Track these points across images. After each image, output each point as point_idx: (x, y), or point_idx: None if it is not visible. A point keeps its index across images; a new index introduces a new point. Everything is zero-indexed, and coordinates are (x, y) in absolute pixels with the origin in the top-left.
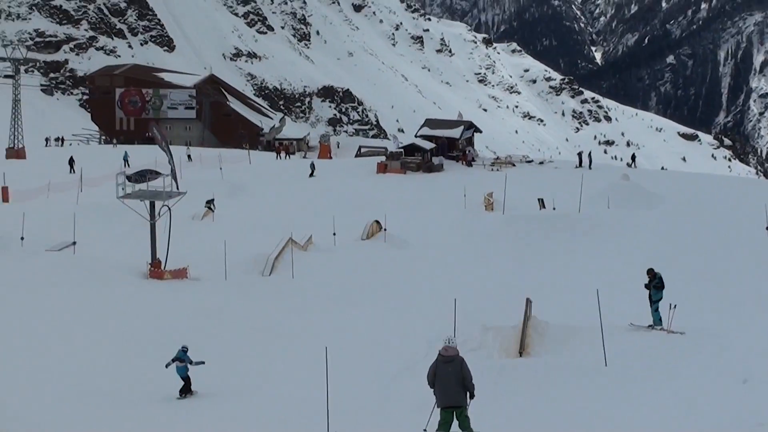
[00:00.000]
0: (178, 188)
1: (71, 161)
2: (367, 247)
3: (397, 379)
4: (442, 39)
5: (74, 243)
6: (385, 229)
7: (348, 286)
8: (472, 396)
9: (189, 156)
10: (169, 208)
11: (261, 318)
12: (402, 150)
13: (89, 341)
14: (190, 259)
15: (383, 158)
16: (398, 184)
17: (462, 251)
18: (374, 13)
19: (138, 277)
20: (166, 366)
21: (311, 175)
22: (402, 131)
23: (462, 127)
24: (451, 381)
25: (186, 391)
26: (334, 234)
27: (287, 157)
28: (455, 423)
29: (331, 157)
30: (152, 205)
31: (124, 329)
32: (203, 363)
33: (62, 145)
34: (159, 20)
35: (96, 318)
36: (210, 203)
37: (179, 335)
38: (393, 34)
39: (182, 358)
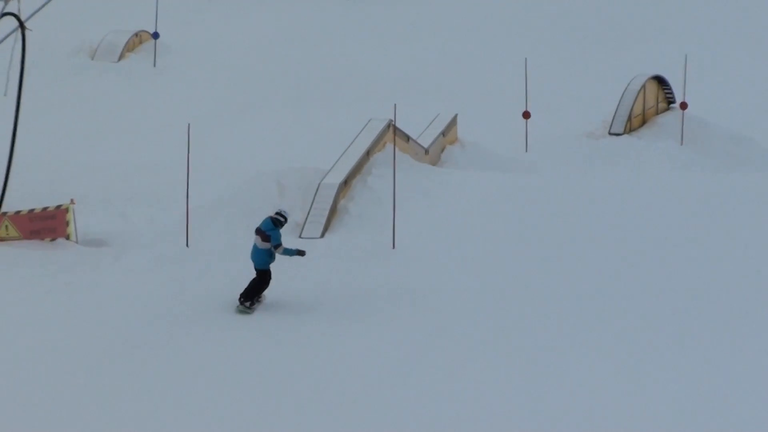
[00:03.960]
0: None
1: None
2: (621, 149)
3: None
4: None
5: None
6: (683, 104)
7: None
8: None
9: None
10: (21, 23)
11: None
12: None
13: None
14: (82, 182)
15: None
16: None
17: None
18: None
19: None
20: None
21: None
22: None
23: None
24: None
25: (255, 294)
26: (526, 117)
27: None
28: None
29: None
30: None
31: None
32: (303, 254)
33: None
34: None
35: None
36: None
37: None
38: None
39: (268, 231)
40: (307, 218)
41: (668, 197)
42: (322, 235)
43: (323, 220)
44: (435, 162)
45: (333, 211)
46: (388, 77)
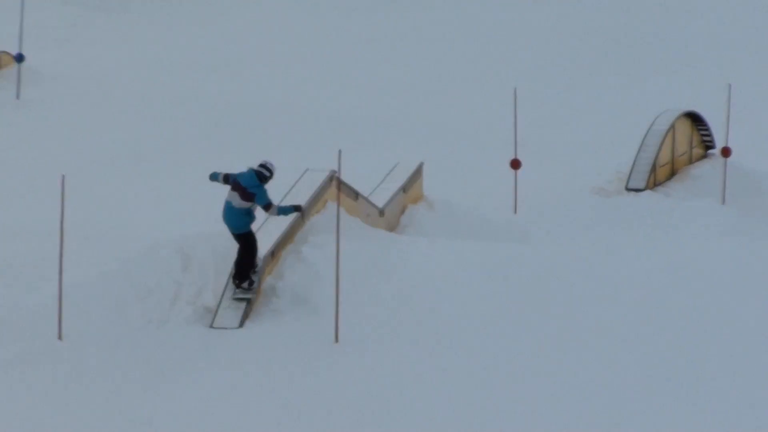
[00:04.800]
0: None
1: None
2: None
3: None
4: None
5: None
6: (725, 150)
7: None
8: None
9: None
10: None
11: None
12: None
13: None
14: None
15: None
16: None
17: None
18: None
19: None
20: (212, 177)
21: None
22: None
23: None
24: None
25: (249, 267)
26: (516, 167)
27: None
28: None
29: None
30: None
31: None
32: (300, 209)
33: None
34: None
35: None
36: None
37: None
38: None
39: (252, 189)
40: (221, 302)
41: (706, 276)
42: (241, 324)
43: (242, 305)
44: (393, 227)
45: (256, 291)
46: (331, 112)
